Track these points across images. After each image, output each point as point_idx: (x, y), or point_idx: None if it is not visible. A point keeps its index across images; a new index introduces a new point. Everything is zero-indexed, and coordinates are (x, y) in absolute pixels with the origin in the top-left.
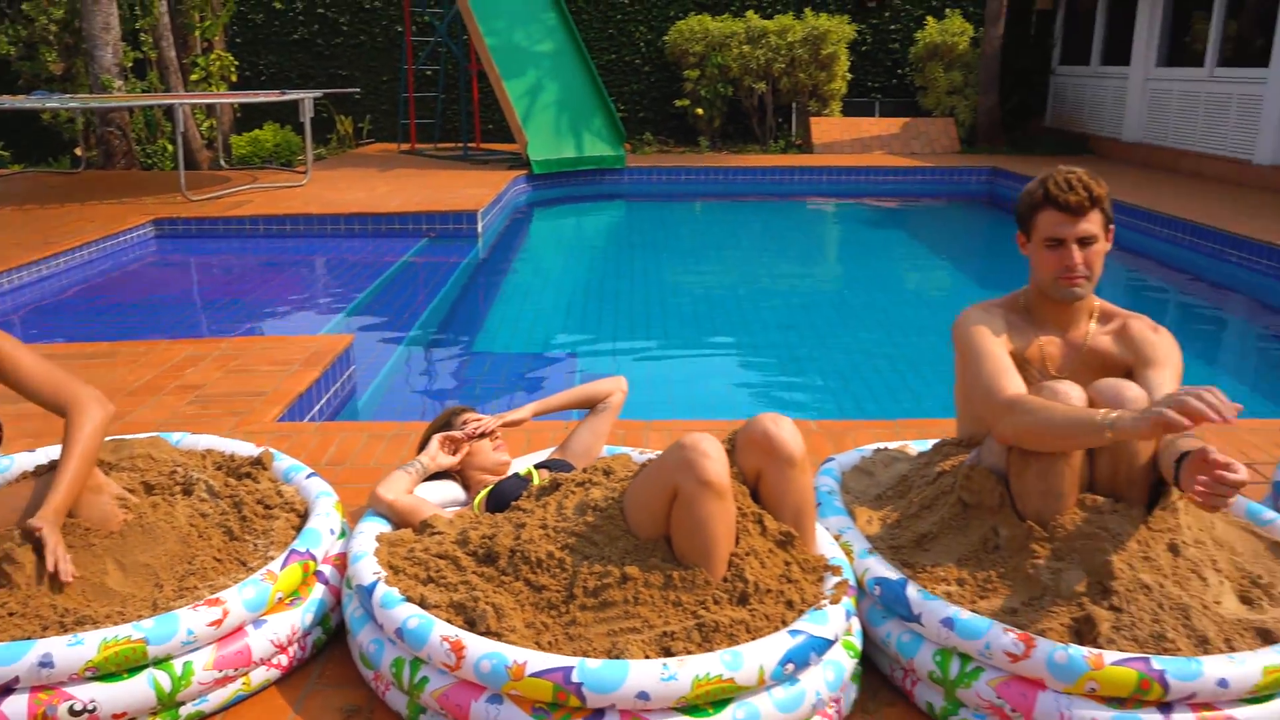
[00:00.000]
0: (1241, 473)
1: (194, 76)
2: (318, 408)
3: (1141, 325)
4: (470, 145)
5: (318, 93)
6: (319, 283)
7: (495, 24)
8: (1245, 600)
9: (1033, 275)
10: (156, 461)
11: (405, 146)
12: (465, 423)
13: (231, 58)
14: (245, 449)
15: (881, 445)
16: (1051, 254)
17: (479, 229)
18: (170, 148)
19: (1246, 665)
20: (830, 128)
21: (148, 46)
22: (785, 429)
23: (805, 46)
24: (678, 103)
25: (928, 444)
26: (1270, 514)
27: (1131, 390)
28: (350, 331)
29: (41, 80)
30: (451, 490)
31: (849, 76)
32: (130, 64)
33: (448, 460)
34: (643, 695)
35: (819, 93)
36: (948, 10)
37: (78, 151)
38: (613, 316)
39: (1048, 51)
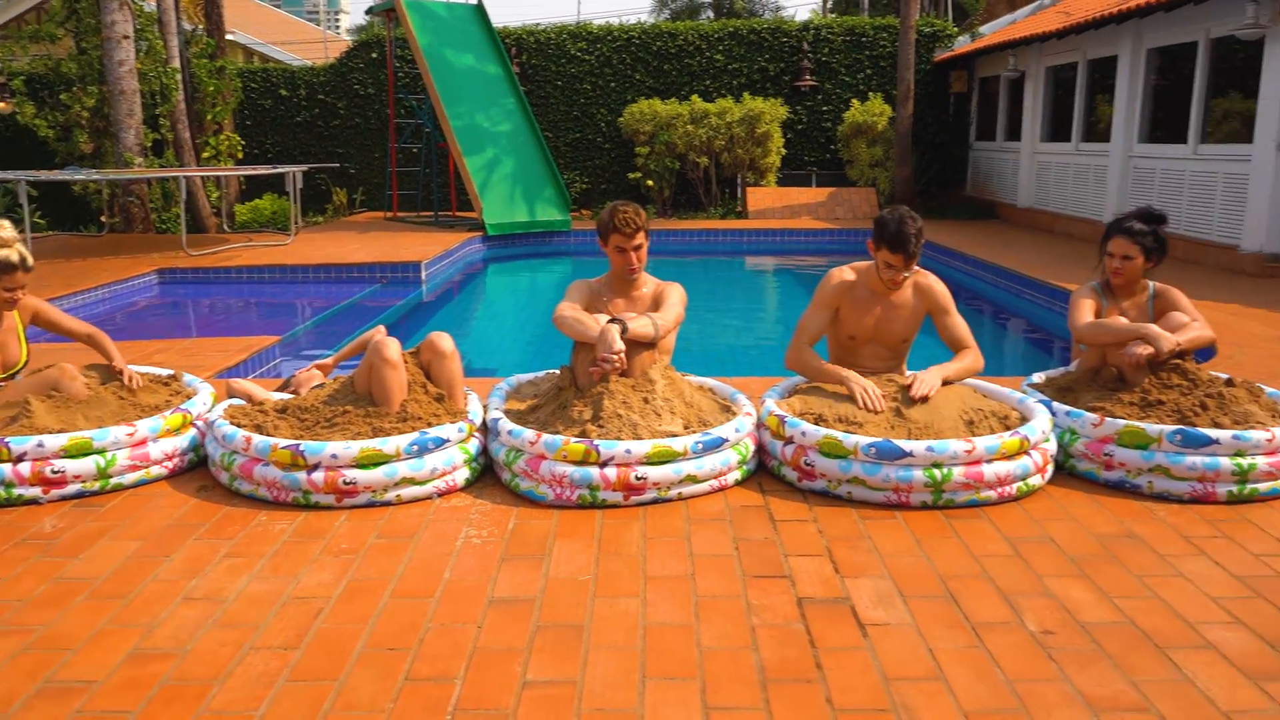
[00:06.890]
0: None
1: (205, 154)
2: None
3: (663, 286)
4: (444, 213)
5: (304, 167)
6: (281, 313)
7: (459, 108)
8: (686, 428)
9: (611, 265)
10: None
11: (389, 214)
12: (297, 374)
13: (239, 138)
14: (167, 372)
15: (549, 371)
16: (619, 256)
17: (423, 276)
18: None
19: (644, 444)
20: (764, 196)
21: (165, 129)
22: (444, 339)
23: (742, 126)
24: (631, 175)
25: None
26: (741, 395)
27: (644, 319)
28: (287, 341)
29: (74, 158)
30: None
31: (784, 151)
32: (150, 144)
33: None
34: (335, 456)
35: (756, 166)
36: (870, 93)
37: (103, 218)
38: (536, 347)
39: (965, 129)
